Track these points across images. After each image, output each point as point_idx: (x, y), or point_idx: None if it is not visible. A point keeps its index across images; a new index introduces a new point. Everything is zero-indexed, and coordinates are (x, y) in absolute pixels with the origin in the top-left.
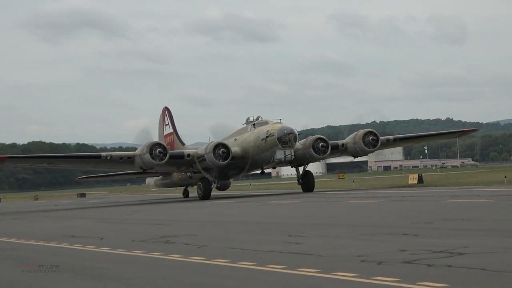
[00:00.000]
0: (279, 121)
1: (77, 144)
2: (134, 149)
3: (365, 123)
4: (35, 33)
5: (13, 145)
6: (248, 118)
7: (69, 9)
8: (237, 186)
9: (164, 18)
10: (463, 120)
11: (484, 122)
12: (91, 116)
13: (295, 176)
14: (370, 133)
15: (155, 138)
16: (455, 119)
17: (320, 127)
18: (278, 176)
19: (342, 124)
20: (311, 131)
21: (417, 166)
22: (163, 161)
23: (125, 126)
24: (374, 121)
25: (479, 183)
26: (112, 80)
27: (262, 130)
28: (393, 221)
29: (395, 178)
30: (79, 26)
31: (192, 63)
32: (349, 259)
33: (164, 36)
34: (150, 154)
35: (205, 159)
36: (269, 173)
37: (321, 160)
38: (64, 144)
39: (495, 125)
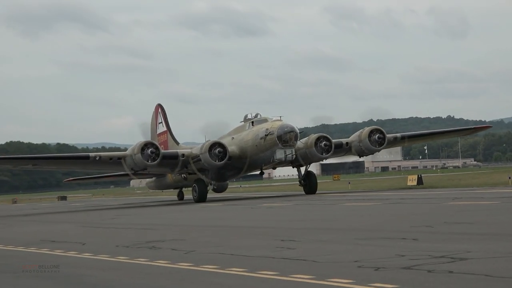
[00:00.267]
0: (279, 118)
1: (58, 144)
2: (119, 149)
3: (361, 121)
4: (13, 27)
5: None
6: (246, 116)
7: (48, 1)
8: (229, 188)
9: (148, 11)
10: (465, 118)
11: (487, 120)
12: (72, 115)
13: (288, 177)
14: (377, 130)
15: (141, 137)
16: (457, 117)
17: (313, 126)
18: (270, 178)
19: (337, 123)
20: (304, 130)
21: (417, 167)
22: (156, 161)
23: (108, 125)
24: (371, 119)
25: (482, 184)
26: (93, 76)
27: (261, 128)
28: (391, 225)
29: (393, 179)
30: (59, 20)
31: (179, 58)
32: (344, 265)
33: (149, 30)
34: (142, 154)
35: (200, 160)
36: (261, 175)
37: (323, 160)
38: (43, 144)
39: (499, 123)
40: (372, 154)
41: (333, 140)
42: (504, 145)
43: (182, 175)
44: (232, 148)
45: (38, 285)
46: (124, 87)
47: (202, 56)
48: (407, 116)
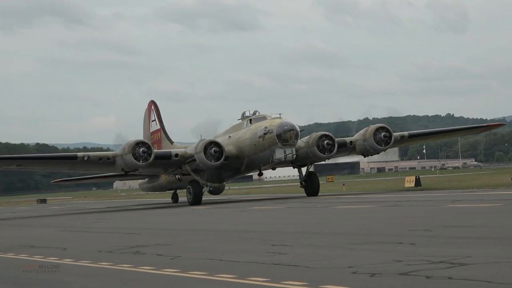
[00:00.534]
0: (278, 116)
1: (37, 144)
2: (101, 149)
3: (356, 120)
4: None
5: None
6: (244, 113)
7: None
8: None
9: (131, 4)
10: (465, 116)
11: (488, 119)
12: (51, 113)
13: (279, 178)
14: (382, 128)
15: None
16: (456, 115)
17: (307, 124)
18: (260, 180)
19: (331, 122)
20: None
21: (414, 168)
22: (148, 162)
23: (90, 125)
24: (367, 118)
25: (483, 186)
26: (74, 73)
27: (259, 127)
28: (387, 229)
29: (390, 180)
30: (37, 14)
31: (165, 54)
32: (339, 271)
33: (133, 24)
34: (133, 154)
35: (195, 160)
36: (251, 176)
37: (326, 160)
38: (22, 145)
39: (501, 121)
40: (378, 153)
41: (336, 139)
42: (506, 144)
43: (176, 176)
44: (228, 147)
45: None
46: (107, 84)
47: (190, 52)
48: (404, 114)
